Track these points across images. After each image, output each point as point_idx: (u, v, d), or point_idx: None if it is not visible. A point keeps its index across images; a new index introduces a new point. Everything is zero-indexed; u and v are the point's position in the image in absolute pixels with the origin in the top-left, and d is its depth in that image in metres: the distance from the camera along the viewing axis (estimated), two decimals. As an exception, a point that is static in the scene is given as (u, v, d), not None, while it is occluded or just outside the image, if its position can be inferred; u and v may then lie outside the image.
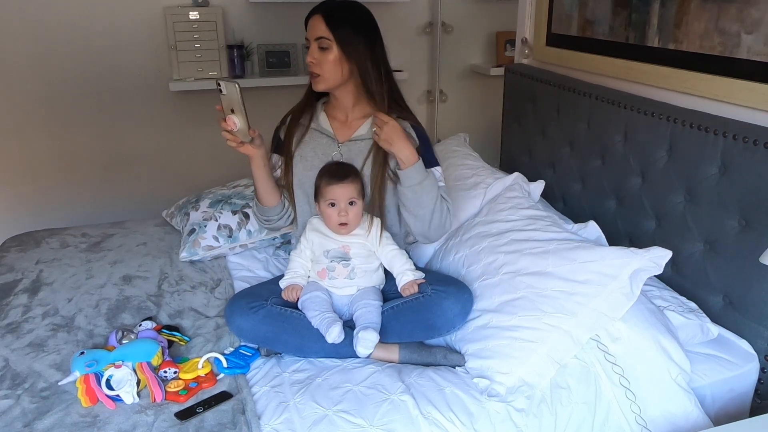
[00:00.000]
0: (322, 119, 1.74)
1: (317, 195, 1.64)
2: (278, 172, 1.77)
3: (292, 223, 1.81)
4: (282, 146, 1.75)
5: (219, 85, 1.46)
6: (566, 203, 2.22)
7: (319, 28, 1.61)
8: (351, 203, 1.59)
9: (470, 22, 3.33)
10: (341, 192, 1.58)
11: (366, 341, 1.44)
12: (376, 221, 1.65)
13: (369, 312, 1.53)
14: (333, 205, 1.59)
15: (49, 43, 2.71)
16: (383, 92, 1.65)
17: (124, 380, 1.35)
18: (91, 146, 2.91)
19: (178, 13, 2.74)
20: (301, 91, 1.79)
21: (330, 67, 1.62)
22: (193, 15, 2.75)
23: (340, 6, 1.64)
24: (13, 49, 2.68)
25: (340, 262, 1.60)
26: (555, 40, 2.32)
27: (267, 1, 2.89)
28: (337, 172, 1.61)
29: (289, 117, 1.77)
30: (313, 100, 1.78)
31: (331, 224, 1.61)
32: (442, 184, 1.70)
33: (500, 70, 2.90)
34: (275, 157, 1.78)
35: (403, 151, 1.56)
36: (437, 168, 1.70)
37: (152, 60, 2.86)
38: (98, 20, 2.74)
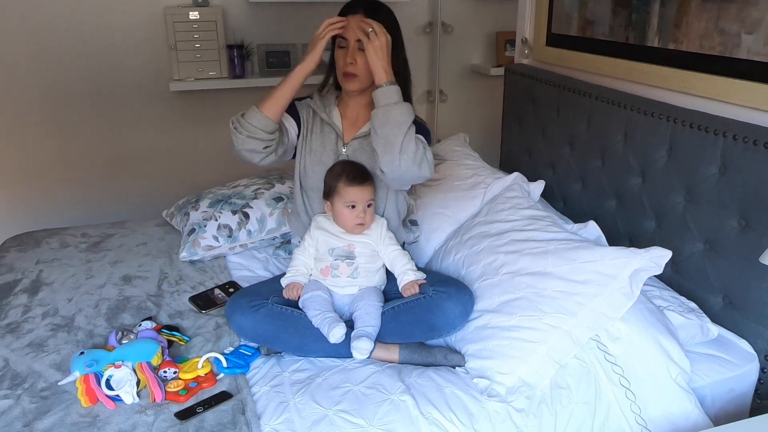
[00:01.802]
0: (335, 115, 1.75)
1: (332, 194, 1.63)
2: (291, 133, 1.73)
3: (275, 156, 1.68)
4: (295, 115, 1.75)
5: None
6: (566, 203, 2.22)
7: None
8: (369, 205, 1.62)
9: (470, 22, 3.32)
10: (362, 194, 1.60)
11: (360, 350, 1.45)
12: (381, 221, 1.67)
13: (368, 314, 1.53)
14: (353, 206, 1.60)
15: (49, 43, 2.71)
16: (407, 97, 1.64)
17: (124, 380, 1.35)
18: (91, 146, 2.91)
19: (178, 13, 2.73)
20: (302, 91, 1.77)
21: (369, 68, 1.57)
22: (193, 15, 2.75)
23: (380, 6, 1.64)
24: (13, 49, 2.68)
25: (344, 261, 1.61)
26: (555, 40, 2.32)
27: (267, 1, 2.89)
28: (357, 174, 1.61)
29: (308, 96, 1.76)
30: (334, 88, 1.77)
31: (347, 224, 1.62)
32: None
33: (500, 70, 2.90)
34: (292, 122, 1.75)
35: (381, 66, 1.52)
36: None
37: (152, 60, 2.86)
38: (98, 20, 2.74)
